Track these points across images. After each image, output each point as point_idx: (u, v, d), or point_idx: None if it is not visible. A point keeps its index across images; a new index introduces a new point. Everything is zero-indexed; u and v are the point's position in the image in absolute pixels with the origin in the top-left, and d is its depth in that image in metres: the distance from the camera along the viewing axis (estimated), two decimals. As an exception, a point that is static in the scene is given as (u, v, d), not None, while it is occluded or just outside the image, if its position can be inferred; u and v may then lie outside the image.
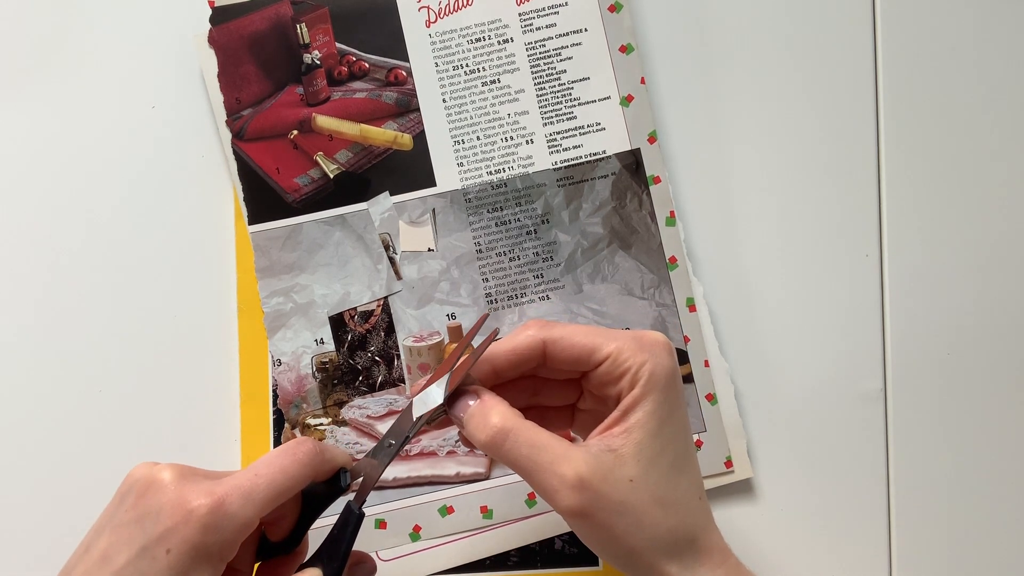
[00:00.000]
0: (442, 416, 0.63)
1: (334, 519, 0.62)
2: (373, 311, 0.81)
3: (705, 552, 0.60)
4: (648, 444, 0.59)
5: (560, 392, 0.67)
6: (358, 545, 0.62)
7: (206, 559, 0.55)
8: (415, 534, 0.79)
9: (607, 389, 0.62)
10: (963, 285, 0.82)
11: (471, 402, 0.61)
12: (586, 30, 0.82)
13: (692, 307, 0.81)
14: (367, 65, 0.82)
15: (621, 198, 0.81)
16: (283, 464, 0.58)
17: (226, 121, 0.82)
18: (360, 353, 0.81)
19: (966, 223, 0.82)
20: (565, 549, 0.80)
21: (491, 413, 0.59)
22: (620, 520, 0.58)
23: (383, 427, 0.79)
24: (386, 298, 0.81)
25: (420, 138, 0.82)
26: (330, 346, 0.81)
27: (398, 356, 0.81)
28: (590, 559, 0.80)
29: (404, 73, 0.82)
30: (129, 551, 0.55)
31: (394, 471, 0.79)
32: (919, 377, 0.82)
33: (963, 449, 0.81)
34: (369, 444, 0.80)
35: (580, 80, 0.82)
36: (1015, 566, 0.81)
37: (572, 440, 0.59)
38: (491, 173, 0.82)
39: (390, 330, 0.81)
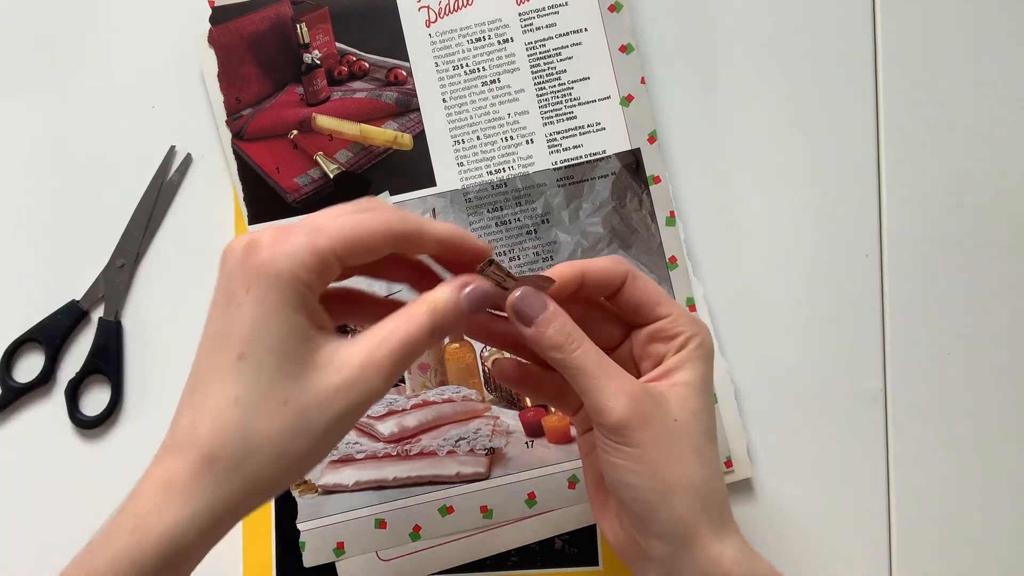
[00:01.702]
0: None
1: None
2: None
3: (731, 523, 0.61)
4: (691, 400, 0.60)
5: (606, 333, 0.65)
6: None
7: (290, 289, 0.51)
8: (415, 534, 0.79)
9: (653, 346, 0.63)
10: (963, 285, 0.82)
11: (541, 303, 0.59)
12: (586, 30, 0.82)
13: (692, 307, 0.81)
14: (367, 65, 0.82)
15: (621, 198, 0.81)
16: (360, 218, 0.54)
17: (226, 121, 0.82)
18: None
19: (966, 223, 0.82)
20: (565, 549, 0.80)
21: (566, 318, 0.59)
22: (664, 449, 0.58)
23: (383, 427, 0.79)
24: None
25: (420, 138, 0.82)
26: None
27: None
28: (590, 559, 0.80)
29: (404, 73, 0.82)
30: (215, 310, 0.54)
31: (394, 471, 0.79)
32: (919, 377, 0.82)
33: (963, 449, 0.81)
34: (369, 444, 0.80)
35: (580, 80, 0.82)
36: (1015, 566, 0.81)
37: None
38: (491, 173, 0.82)
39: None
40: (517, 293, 0.59)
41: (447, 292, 0.55)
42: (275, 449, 0.51)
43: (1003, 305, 0.82)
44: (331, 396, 0.52)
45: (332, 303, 0.58)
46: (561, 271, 0.61)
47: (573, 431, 0.79)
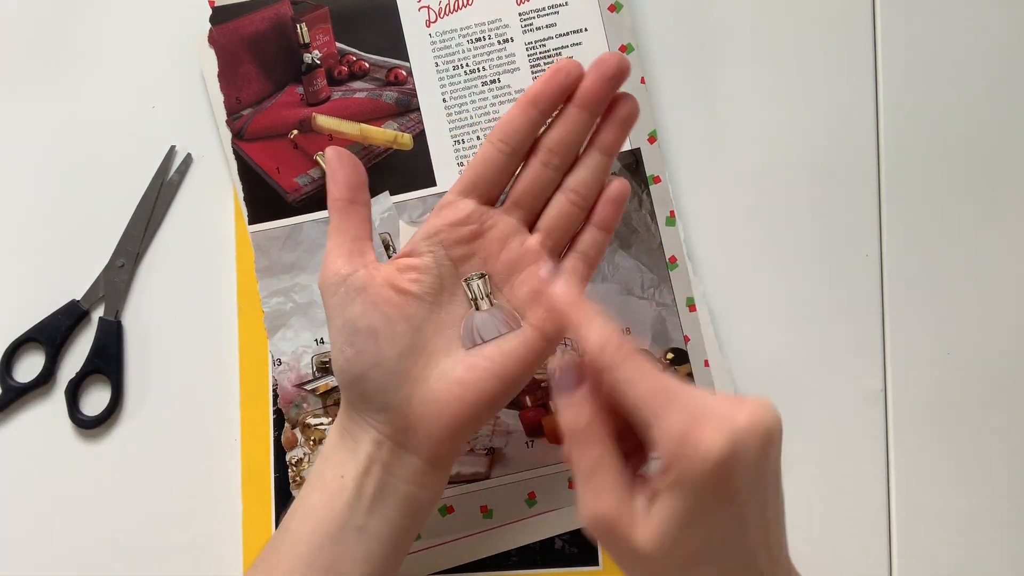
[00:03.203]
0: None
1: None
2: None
3: None
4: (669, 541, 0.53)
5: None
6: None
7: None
8: (415, 534, 0.79)
9: None
10: (963, 285, 0.82)
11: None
12: (586, 30, 0.82)
13: (692, 307, 0.81)
14: (367, 65, 0.82)
15: (621, 198, 0.81)
16: None
17: (226, 121, 0.82)
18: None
19: (966, 223, 0.82)
20: (565, 549, 0.80)
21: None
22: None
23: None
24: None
25: (420, 138, 0.82)
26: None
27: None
28: (590, 559, 0.80)
29: (404, 73, 0.82)
30: None
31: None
32: (919, 377, 0.82)
33: (963, 449, 0.81)
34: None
35: (580, 80, 0.82)
36: (1015, 566, 0.81)
37: None
38: (491, 173, 0.82)
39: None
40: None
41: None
42: None
43: (1003, 305, 0.82)
44: None
45: None
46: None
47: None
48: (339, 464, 0.64)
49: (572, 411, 0.57)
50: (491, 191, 0.66)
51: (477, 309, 0.65)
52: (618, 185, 0.67)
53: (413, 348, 0.63)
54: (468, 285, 0.65)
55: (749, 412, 0.52)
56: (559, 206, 0.67)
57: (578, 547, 0.80)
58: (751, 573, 0.56)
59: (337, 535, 0.62)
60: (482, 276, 0.65)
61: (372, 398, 0.63)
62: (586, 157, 0.67)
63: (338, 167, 0.65)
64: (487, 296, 0.65)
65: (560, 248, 0.68)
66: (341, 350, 0.63)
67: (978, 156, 0.83)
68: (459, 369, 0.63)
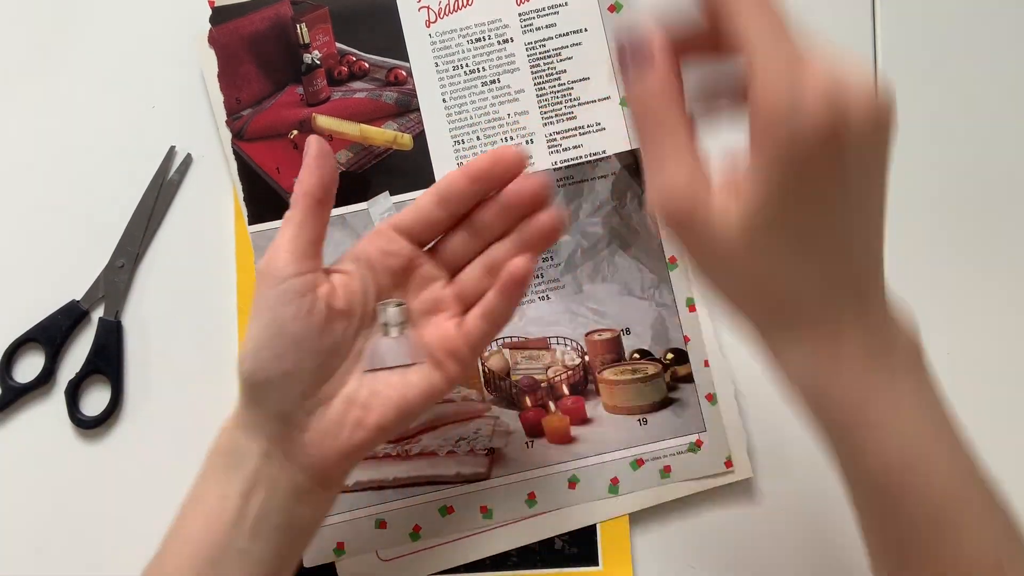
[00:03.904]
0: None
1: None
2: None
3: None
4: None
5: None
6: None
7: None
8: (415, 534, 0.79)
9: None
10: (963, 285, 0.82)
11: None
12: (586, 30, 0.82)
13: (692, 307, 0.81)
14: (367, 65, 0.82)
15: (621, 198, 0.81)
16: None
17: (226, 121, 0.82)
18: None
19: (966, 223, 0.82)
20: (565, 549, 0.80)
21: None
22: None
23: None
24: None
25: (420, 138, 0.82)
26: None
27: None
28: (590, 559, 0.80)
29: (404, 73, 0.82)
30: None
31: (394, 471, 0.79)
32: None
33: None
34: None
35: (580, 80, 0.82)
36: None
37: None
38: (491, 173, 0.82)
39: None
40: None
41: None
42: None
43: (1003, 305, 0.82)
44: None
45: None
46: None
47: (572, 431, 0.79)
48: (221, 484, 0.63)
49: (645, 78, 0.51)
50: (423, 236, 0.67)
51: (386, 335, 0.65)
52: (515, 267, 0.63)
53: (329, 365, 0.63)
54: (384, 310, 0.65)
55: (867, 86, 0.46)
56: (474, 272, 0.67)
57: (578, 547, 0.80)
58: (843, 272, 0.52)
59: (218, 559, 0.61)
60: (400, 304, 0.66)
61: (275, 405, 0.62)
62: (509, 239, 0.67)
63: (318, 163, 0.64)
64: (399, 325, 0.65)
65: (469, 308, 0.67)
66: (258, 349, 0.61)
67: (978, 155, 0.83)
68: (363, 393, 0.63)
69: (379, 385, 0.64)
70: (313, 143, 0.64)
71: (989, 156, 0.83)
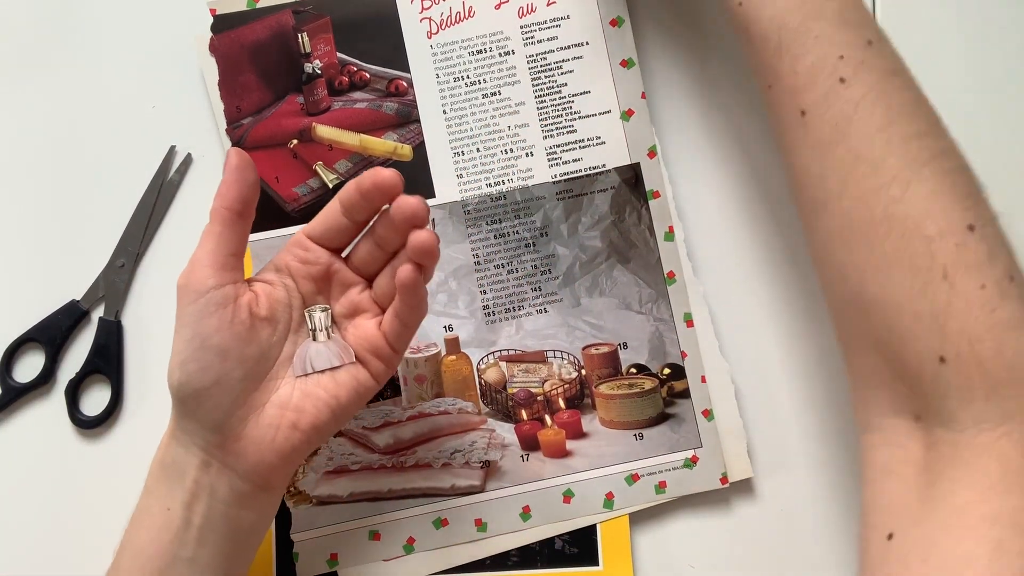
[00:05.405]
0: None
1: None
2: (373, 312, 0.82)
3: None
4: None
5: None
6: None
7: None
8: (409, 546, 0.79)
9: None
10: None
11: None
12: (587, 44, 0.82)
13: (690, 322, 0.81)
14: (368, 75, 0.82)
15: (620, 212, 0.81)
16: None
17: (226, 129, 0.82)
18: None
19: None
20: (565, 549, 0.81)
21: None
22: None
23: (379, 438, 0.80)
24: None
25: (420, 149, 0.82)
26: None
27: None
28: (590, 559, 0.81)
29: (405, 84, 0.82)
30: None
31: (389, 482, 0.80)
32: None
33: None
34: (364, 455, 0.80)
35: (581, 94, 0.82)
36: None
37: None
38: (490, 185, 0.82)
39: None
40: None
41: None
42: None
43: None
44: None
45: None
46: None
47: (568, 445, 0.80)
48: (164, 496, 0.64)
49: None
50: (335, 243, 0.68)
51: (314, 340, 0.67)
52: (402, 274, 0.64)
53: (257, 372, 0.65)
54: (310, 315, 0.67)
55: None
56: (385, 277, 0.68)
57: (578, 547, 0.81)
58: None
59: (167, 569, 0.63)
60: (325, 309, 0.68)
61: (207, 415, 0.63)
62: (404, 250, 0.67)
63: (237, 177, 0.64)
64: (326, 328, 0.67)
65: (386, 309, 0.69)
66: (184, 362, 0.62)
67: (978, 155, 0.83)
68: (295, 396, 0.65)
69: (310, 387, 0.66)
70: (233, 155, 0.65)
71: (990, 156, 0.83)
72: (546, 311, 0.81)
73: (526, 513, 0.80)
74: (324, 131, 0.82)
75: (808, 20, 0.63)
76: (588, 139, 0.82)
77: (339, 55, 0.82)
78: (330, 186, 0.81)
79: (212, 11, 0.82)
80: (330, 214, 0.67)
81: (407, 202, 0.63)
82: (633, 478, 0.80)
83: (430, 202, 0.81)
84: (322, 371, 0.66)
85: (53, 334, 0.83)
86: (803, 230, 0.68)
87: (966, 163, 0.63)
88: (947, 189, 0.60)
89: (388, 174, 0.63)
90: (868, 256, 0.60)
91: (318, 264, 0.67)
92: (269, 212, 0.81)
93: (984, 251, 0.58)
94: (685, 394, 0.81)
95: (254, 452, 0.64)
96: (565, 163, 0.82)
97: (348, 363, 0.67)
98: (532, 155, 0.82)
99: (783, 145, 0.67)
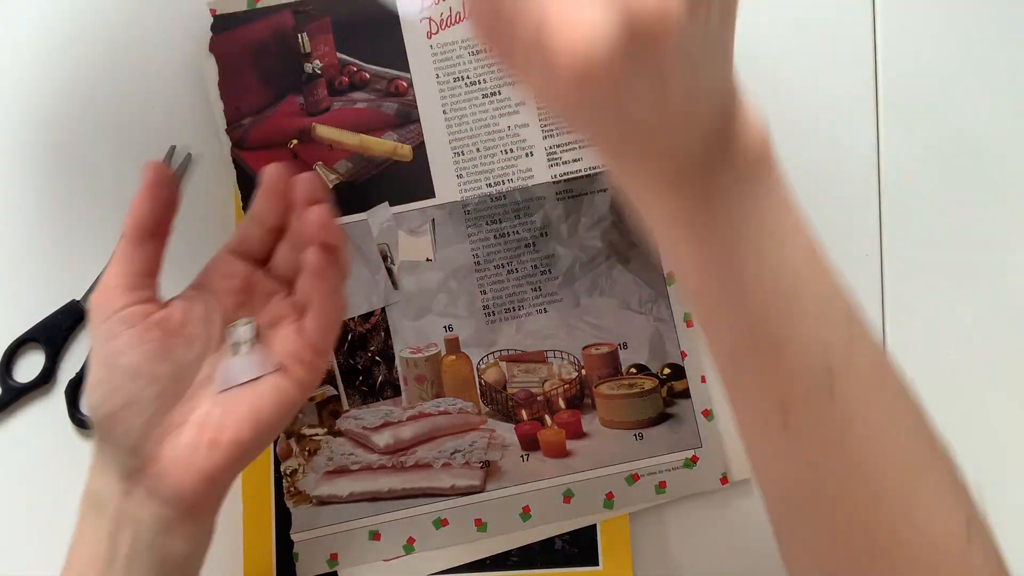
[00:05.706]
0: None
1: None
2: (373, 311, 0.82)
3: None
4: None
5: None
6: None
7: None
8: (409, 546, 0.79)
9: None
10: (963, 284, 0.82)
11: None
12: (588, 43, 0.82)
13: (689, 322, 0.81)
14: (368, 75, 0.82)
15: (620, 212, 0.81)
16: None
17: (226, 129, 0.82)
18: (360, 353, 0.82)
19: (966, 223, 0.82)
20: (565, 549, 0.81)
21: None
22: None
23: (379, 438, 0.80)
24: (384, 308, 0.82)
25: (420, 149, 0.82)
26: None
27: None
28: (590, 559, 0.81)
29: (405, 84, 0.82)
30: None
31: (389, 482, 0.80)
32: (919, 378, 0.82)
33: (962, 451, 0.81)
34: (364, 455, 0.80)
35: (581, 93, 0.82)
36: (1015, 565, 0.81)
37: None
38: (490, 185, 0.82)
39: (391, 330, 0.82)
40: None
41: None
42: None
43: (1003, 305, 0.82)
44: None
45: None
46: None
47: (568, 445, 0.80)
48: (91, 528, 0.62)
49: None
50: (254, 253, 0.67)
51: (236, 354, 0.64)
52: (307, 258, 0.63)
53: (173, 391, 0.61)
54: (233, 330, 0.64)
55: None
56: (304, 279, 0.66)
57: (578, 547, 0.81)
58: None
59: None
60: (249, 322, 0.65)
61: (122, 438, 0.60)
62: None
63: (151, 194, 0.63)
64: (248, 341, 0.64)
65: None
66: (97, 384, 0.60)
67: (978, 155, 0.83)
68: (215, 414, 0.62)
69: (231, 402, 0.62)
70: (151, 170, 0.63)
71: (989, 155, 0.83)
72: (546, 311, 0.81)
73: (526, 513, 0.80)
74: (324, 131, 0.82)
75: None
76: (588, 139, 0.82)
77: (339, 55, 0.82)
78: (330, 186, 0.81)
79: (212, 11, 0.82)
80: (243, 225, 0.67)
81: (303, 177, 0.62)
82: (633, 478, 0.80)
83: (430, 202, 0.82)
84: (243, 383, 0.63)
85: (53, 334, 0.83)
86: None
87: None
88: None
89: (269, 168, 0.64)
90: None
91: (238, 277, 0.65)
92: (269, 212, 0.81)
93: None
94: (685, 394, 0.81)
95: (174, 475, 0.60)
96: (565, 163, 0.82)
97: (270, 372, 0.64)
98: (532, 155, 0.82)
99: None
